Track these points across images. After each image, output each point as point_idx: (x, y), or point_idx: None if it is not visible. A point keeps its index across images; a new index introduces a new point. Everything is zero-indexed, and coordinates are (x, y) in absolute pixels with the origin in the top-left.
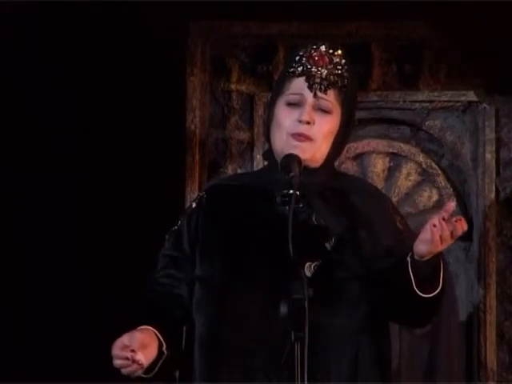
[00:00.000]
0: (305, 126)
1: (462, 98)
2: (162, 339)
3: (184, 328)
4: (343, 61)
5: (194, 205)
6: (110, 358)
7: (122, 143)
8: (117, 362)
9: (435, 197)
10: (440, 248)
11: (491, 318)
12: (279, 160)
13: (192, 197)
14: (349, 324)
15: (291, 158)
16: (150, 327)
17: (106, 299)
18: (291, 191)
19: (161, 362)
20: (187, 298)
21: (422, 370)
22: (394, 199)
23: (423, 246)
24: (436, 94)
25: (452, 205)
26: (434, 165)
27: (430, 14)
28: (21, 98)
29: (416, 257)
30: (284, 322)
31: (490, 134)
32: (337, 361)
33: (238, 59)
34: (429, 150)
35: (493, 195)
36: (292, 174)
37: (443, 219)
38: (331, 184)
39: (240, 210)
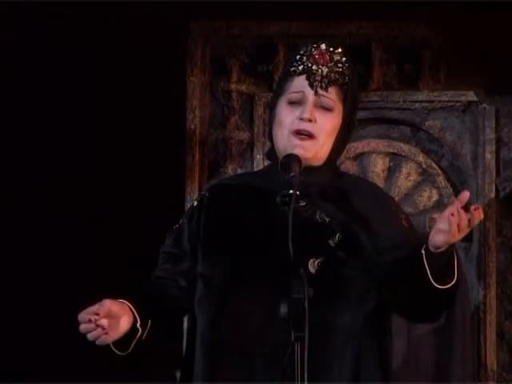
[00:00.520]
0: (306, 123)
1: (462, 98)
2: (136, 315)
3: (175, 318)
4: (344, 59)
5: (195, 203)
6: (110, 358)
7: (122, 143)
8: (81, 327)
9: (435, 197)
10: (457, 237)
11: (491, 318)
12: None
13: (192, 197)
14: (352, 322)
15: (291, 158)
16: (125, 301)
17: (106, 297)
18: (291, 191)
19: (135, 340)
20: (183, 290)
21: (431, 365)
22: None
23: (440, 236)
24: (436, 94)
25: (467, 193)
26: (433, 165)
27: (430, 14)
28: (21, 98)
29: (432, 248)
30: (284, 322)
31: (490, 134)
32: (339, 359)
33: (238, 59)
34: (429, 150)
35: (493, 195)
36: (292, 174)
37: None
38: (334, 182)
39: (242, 209)
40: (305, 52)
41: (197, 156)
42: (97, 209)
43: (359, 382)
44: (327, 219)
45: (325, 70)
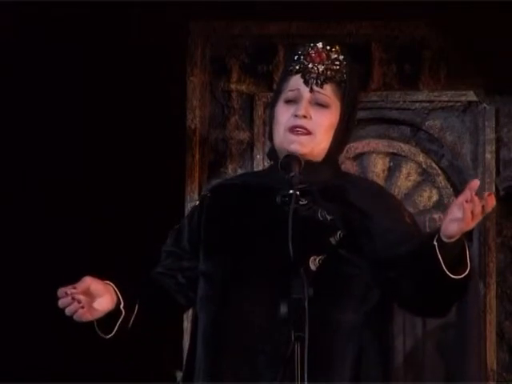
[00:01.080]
0: (301, 119)
1: (462, 98)
2: (120, 297)
3: (168, 309)
4: (341, 57)
5: (197, 203)
6: (110, 358)
7: (122, 143)
8: (59, 302)
9: (435, 197)
10: (471, 225)
11: (491, 318)
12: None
13: (192, 197)
14: (353, 319)
15: (291, 158)
16: (109, 282)
17: None
18: (291, 191)
19: (119, 322)
20: (180, 285)
21: (437, 365)
22: None
23: (454, 224)
24: (436, 94)
25: (477, 182)
26: (433, 165)
27: (430, 14)
28: (21, 98)
29: (444, 239)
30: (285, 322)
31: (489, 134)
32: (341, 356)
33: (238, 59)
34: (429, 150)
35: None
36: (292, 174)
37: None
38: (335, 180)
39: (243, 208)
40: (302, 51)
41: (197, 156)
42: (97, 209)
43: (360, 383)
44: (329, 217)
45: (321, 67)
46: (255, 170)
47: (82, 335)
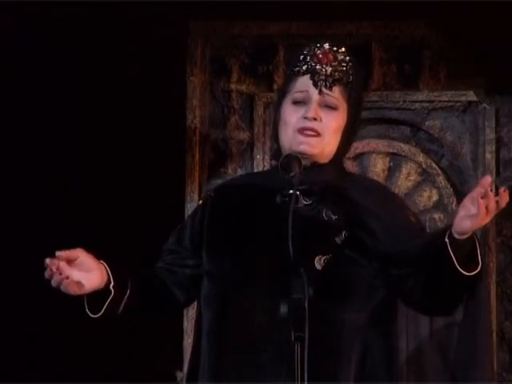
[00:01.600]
0: (311, 121)
1: (462, 98)
2: (110, 276)
3: (164, 299)
4: (347, 58)
5: (200, 202)
6: (110, 358)
7: (122, 143)
8: (45, 273)
9: (435, 197)
10: (484, 221)
11: (491, 318)
12: None
13: (192, 197)
14: (358, 318)
15: (291, 158)
16: (102, 262)
17: None
18: (291, 191)
19: (107, 301)
20: (179, 279)
21: (442, 365)
22: None
23: (467, 221)
24: (436, 94)
25: (489, 179)
26: (433, 165)
27: (430, 14)
28: (21, 98)
29: (457, 235)
30: (285, 321)
31: (490, 134)
32: (346, 355)
33: (238, 59)
34: (429, 150)
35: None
36: (292, 174)
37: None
38: (339, 180)
39: (246, 209)
40: (308, 52)
41: (197, 156)
42: (97, 209)
43: (365, 382)
44: (333, 217)
45: (329, 69)
46: (255, 170)
47: (81, 335)
